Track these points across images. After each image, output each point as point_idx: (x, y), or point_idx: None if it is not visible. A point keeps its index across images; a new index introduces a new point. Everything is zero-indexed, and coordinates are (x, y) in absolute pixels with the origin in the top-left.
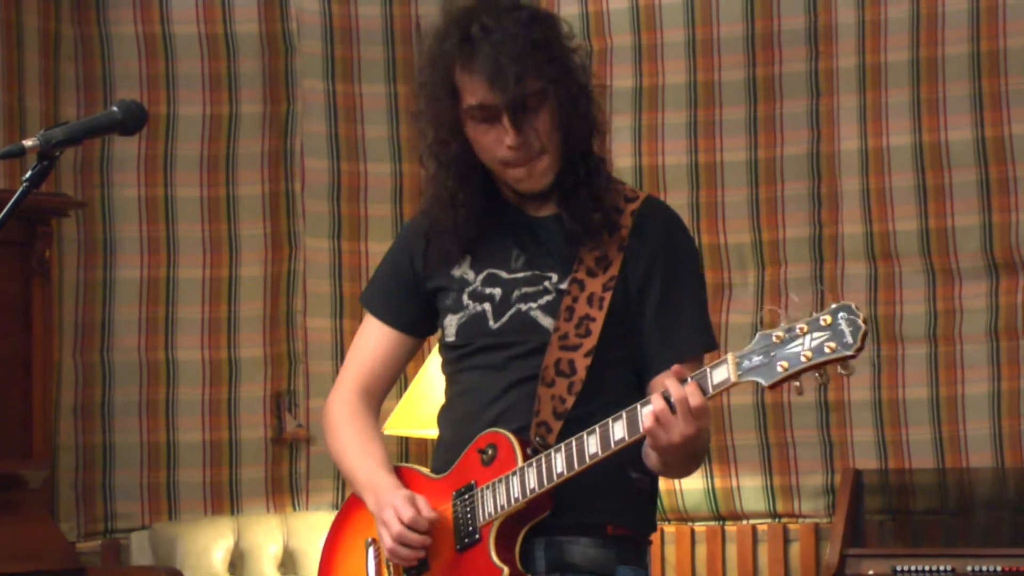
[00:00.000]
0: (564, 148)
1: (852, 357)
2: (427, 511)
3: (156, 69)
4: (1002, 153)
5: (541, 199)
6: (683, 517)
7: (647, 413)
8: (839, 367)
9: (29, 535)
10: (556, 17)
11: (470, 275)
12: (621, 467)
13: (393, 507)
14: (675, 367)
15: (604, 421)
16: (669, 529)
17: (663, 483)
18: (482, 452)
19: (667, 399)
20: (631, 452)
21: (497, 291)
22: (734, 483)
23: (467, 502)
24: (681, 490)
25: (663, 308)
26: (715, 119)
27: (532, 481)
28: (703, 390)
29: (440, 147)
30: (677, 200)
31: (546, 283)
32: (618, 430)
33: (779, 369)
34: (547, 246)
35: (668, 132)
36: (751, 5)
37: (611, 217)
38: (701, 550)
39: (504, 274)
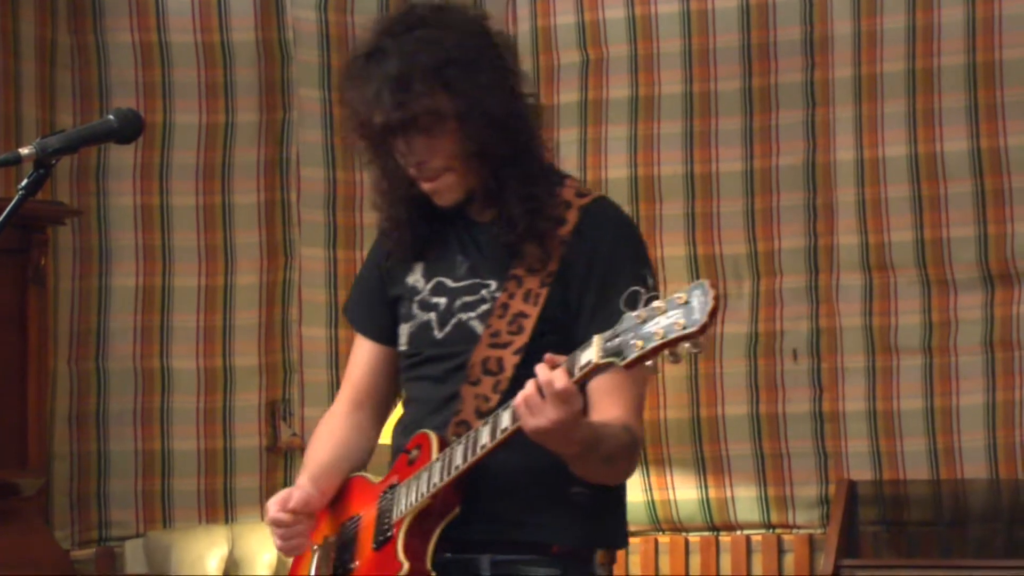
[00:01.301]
0: (479, 163)
1: (699, 333)
2: (295, 504)
3: (152, 77)
4: (997, 164)
5: (483, 203)
6: (677, 527)
7: (518, 397)
8: (689, 345)
9: (24, 543)
10: (474, 29)
11: (420, 283)
12: (562, 483)
13: (268, 509)
14: (547, 355)
15: (495, 411)
16: (663, 539)
17: (657, 493)
18: (409, 452)
19: (537, 383)
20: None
21: (443, 300)
22: (728, 493)
23: (388, 500)
24: (675, 500)
25: (598, 309)
26: (711, 129)
27: (436, 475)
28: (570, 373)
29: (368, 160)
30: (673, 210)
31: (484, 291)
32: (504, 419)
33: (633, 349)
34: (487, 253)
35: (664, 142)
36: (747, 16)
37: (547, 221)
38: (695, 560)
39: (450, 282)
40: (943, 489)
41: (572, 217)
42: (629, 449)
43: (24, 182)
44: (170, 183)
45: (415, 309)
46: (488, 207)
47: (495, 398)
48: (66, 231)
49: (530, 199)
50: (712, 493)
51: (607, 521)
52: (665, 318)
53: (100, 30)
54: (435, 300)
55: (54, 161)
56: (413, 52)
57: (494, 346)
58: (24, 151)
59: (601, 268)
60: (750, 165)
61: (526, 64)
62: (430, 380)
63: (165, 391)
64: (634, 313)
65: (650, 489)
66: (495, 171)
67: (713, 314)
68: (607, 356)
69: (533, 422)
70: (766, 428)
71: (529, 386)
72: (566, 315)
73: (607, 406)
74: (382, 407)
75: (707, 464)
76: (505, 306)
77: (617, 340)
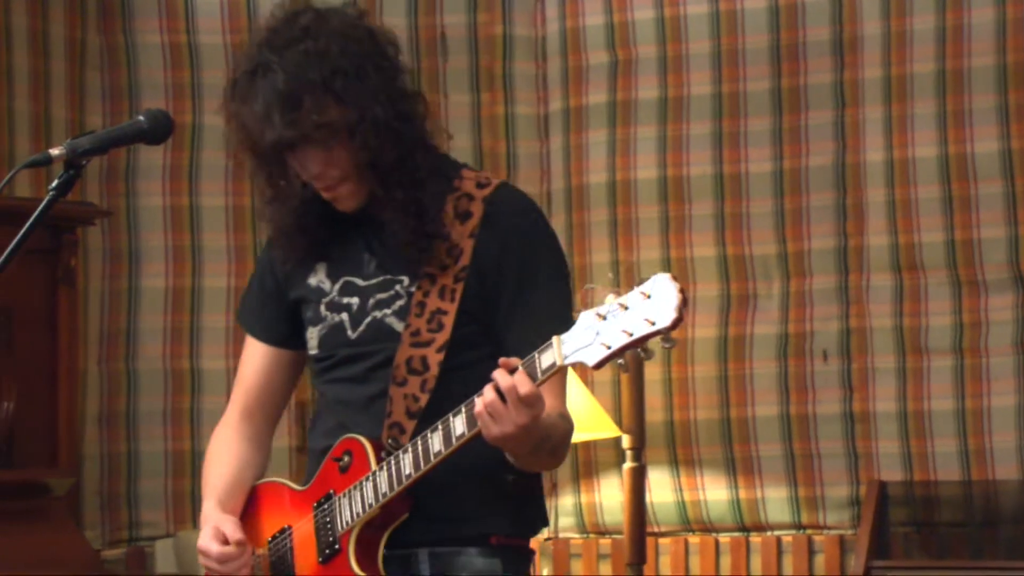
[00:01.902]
0: (373, 168)
1: (670, 329)
2: (234, 533)
3: (181, 78)
4: None
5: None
6: (707, 528)
7: (478, 405)
8: (660, 340)
9: (54, 543)
10: (358, 33)
11: (327, 284)
12: (497, 470)
13: (201, 551)
14: (502, 358)
15: (446, 417)
16: (693, 540)
17: (688, 493)
18: (338, 460)
19: (497, 389)
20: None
21: (355, 300)
22: (759, 494)
23: (326, 512)
24: (706, 500)
25: (518, 298)
26: (740, 130)
27: (383, 485)
28: (532, 376)
29: (257, 171)
30: (702, 211)
31: (397, 287)
32: (458, 425)
33: (601, 348)
34: (394, 249)
35: (693, 143)
36: (776, 16)
37: (434, 223)
38: (725, 561)
39: (360, 281)
40: (974, 490)
41: (476, 209)
42: (568, 437)
43: (54, 183)
44: (199, 184)
45: (323, 311)
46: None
47: (424, 397)
48: (96, 232)
49: (413, 203)
50: (742, 494)
51: (534, 506)
52: (629, 315)
53: (129, 31)
54: (346, 300)
55: (84, 162)
56: (300, 66)
57: (416, 345)
58: (54, 152)
59: (515, 256)
60: (780, 166)
61: (555, 65)
62: (350, 381)
63: (194, 391)
64: (594, 312)
65: (680, 490)
66: (382, 179)
67: (682, 308)
68: (571, 357)
69: (497, 429)
70: (796, 429)
71: (489, 393)
72: (484, 306)
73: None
74: (274, 413)
75: (737, 465)
76: (422, 304)
77: (580, 340)
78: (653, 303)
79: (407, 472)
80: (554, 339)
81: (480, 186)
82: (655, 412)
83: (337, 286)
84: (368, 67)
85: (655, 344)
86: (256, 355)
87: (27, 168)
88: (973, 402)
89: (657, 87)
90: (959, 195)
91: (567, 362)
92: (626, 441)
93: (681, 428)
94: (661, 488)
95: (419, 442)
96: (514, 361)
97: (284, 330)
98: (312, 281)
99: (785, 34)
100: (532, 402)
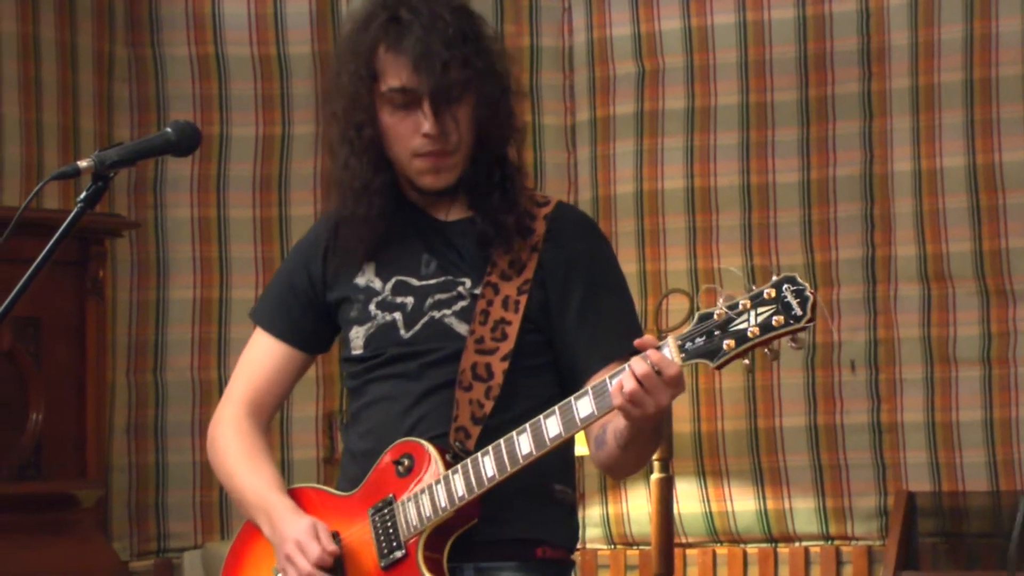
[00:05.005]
0: (476, 148)
1: (803, 329)
2: (329, 543)
3: (209, 90)
4: None
5: (449, 202)
6: (735, 539)
7: (617, 398)
8: (790, 341)
9: (83, 554)
10: (482, 16)
11: (377, 283)
12: (544, 479)
13: (297, 543)
14: (637, 340)
15: (535, 419)
16: (721, 551)
17: (715, 504)
18: (397, 463)
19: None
20: (554, 463)
21: (409, 300)
22: (786, 505)
23: (387, 517)
24: (733, 511)
25: (587, 313)
26: (768, 140)
27: (460, 488)
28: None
29: (355, 132)
30: (729, 221)
31: (460, 288)
32: (552, 427)
33: (725, 348)
34: (459, 251)
35: (720, 153)
36: (804, 26)
37: (523, 221)
38: (753, 572)
39: (415, 281)
40: (1003, 500)
41: (539, 226)
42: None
43: (82, 194)
44: (227, 195)
45: (373, 309)
46: (460, 204)
47: (489, 404)
48: (124, 243)
49: (520, 197)
50: (770, 504)
51: (576, 518)
52: (755, 315)
53: (157, 43)
54: (400, 300)
55: (112, 174)
56: (456, 20)
57: (481, 352)
58: (82, 164)
59: (583, 269)
60: (807, 176)
61: (582, 75)
62: (401, 377)
63: None
64: (712, 311)
65: (708, 500)
66: (495, 162)
67: (815, 308)
68: (692, 358)
69: (639, 412)
70: (824, 439)
71: (629, 381)
72: (547, 318)
73: None
74: (273, 415)
75: (765, 475)
76: (485, 312)
77: (700, 340)
78: (781, 302)
79: (490, 474)
80: (669, 339)
81: (539, 204)
82: (682, 423)
83: (389, 285)
84: (498, 50)
85: (780, 344)
86: (271, 353)
87: (55, 180)
88: (1001, 412)
89: (684, 97)
90: (987, 205)
91: (687, 362)
92: None
93: (708, 439)
94: (689, 499)
95: (502, 444)
96: (651, 341)
97: (308, 332)
98: (360, 281)
99: (812, 44)
100: (678, 382)
